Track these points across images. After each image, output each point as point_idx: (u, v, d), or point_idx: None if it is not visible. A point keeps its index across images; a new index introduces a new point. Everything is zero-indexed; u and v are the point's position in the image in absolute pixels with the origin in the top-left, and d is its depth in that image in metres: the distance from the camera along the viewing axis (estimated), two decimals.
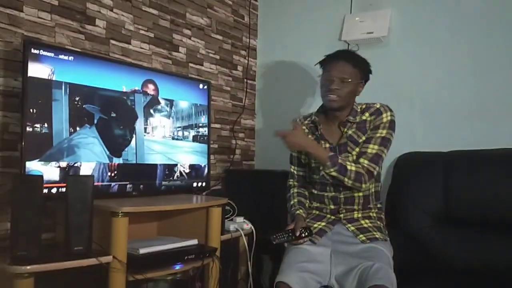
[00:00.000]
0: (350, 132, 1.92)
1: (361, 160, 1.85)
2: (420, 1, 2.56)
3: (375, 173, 1.87)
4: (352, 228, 1.88)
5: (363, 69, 1.93)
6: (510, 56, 2.31)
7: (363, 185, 1.85)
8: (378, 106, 1.92)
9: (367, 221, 1.91)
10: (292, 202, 2.02)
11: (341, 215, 1.92)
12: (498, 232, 2.04)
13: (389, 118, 1.89)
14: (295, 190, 2.06)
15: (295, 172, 2.08)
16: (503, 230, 2.03)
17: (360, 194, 1.92)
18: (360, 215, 1.92)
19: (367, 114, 1.92)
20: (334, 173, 1.81)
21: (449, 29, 2.47)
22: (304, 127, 2.01)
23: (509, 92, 2.30)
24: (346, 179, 1.82)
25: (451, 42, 2.46)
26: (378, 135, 1.87)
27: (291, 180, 2.10)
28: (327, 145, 1.94)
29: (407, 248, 2.07)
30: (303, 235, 1.82)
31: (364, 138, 1.90)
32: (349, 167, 1.82)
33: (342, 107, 1.90)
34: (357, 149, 1.89)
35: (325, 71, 1.92)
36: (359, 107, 1.94)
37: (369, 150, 1.86)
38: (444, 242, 2.11)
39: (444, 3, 2.49)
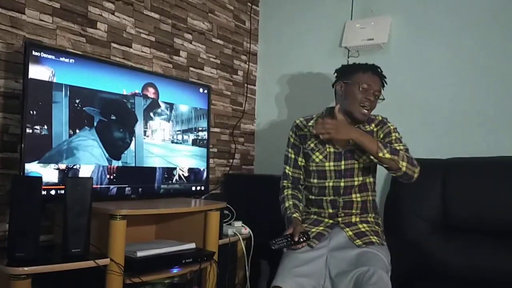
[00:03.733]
0: None
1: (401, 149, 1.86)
2: (421, 9, 2.58)
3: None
4: (350, 233, 1.89)
5: (383, 86, 1.99)
6: (509, 64, 2.31)
7: (417, 169, 1.85)
8: (380, 118, 2.00)
9: (365, 225, 1.92)
10: (287, 205, 2.02)
11: (340, 219, 1.93)
12: (496, 239, 2.04)
13: (393, 126, 1.97)
14: (289, 192, 2.05)
15: (290, 173, 2.08)
16: (501, 237, 2.04)
17: (359, 199, 1.93)
18: (358, 219, 1.93)
19: (372, 125, 1.98)
20: (387, 155, 1.78)
21: (449, 37, 2.48)
22: (306, 130, 2.02)
23: (508, 100, 2.31)
24: (400, 161, 1.79)
25: (450, 50, 2.47)
26: (394, 137, 1.92)
27: (285, 181, 2.09)
28: (332, 149, 1.95)
29: (406, 254, 2.07)
30: (301, 240, 1.82)
31: None
32: (398, 148, 1.84)
33: None
34: (364, 157, 1.91)
35: (362, 82, 1.90)
36: None
37: (397, 147, 1.87)
38: (442, 249, 2.11)
39: (444, 11, 2.50)
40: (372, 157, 1.83)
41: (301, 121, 2.06)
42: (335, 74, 2.05)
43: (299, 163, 2.05)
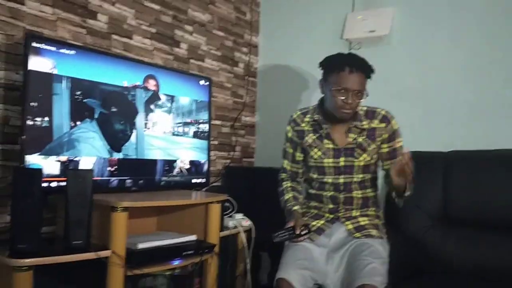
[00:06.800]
0: (360, 139, 1.89)
1: None
2: (423, 0, 2.56)
3: None
4: (350, 226, 1.89)
5: (370, 77, 1.86)
6: None
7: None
8: (384, 112, 1.91)
9: (365, 218, 1.91)
10: (286, 197, 2.02)
11: (340, 214, 1.93)
12: (496, 233, 2.04)
13: (397, 124, 1.92)
14: (288, 184, 2.06)
15: (288, 167, 2.07)
16: (501, 231, 2.03)
17: (360, 195, 1.92)
18: (358, 213, 1.93)
19: (376, 122, 1.89)
20: (410, 192, 1.81)
21: (451, 28, 2.47)
22: (303, 124, 1.99)
23: (510, 92, 2.30)
24: (411, 192, 1.83)
25: (452, 42, 2.46)
26: (398, 145, 1.91)
27: (283, 174, 2.09)
28: (331, 145, 1.91)
29: (406, 248, 2.08)
30: (302, 232, 1.82)
31: (373, 146, 1.89)
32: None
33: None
34: (365, 155, 1.89)
35: (338, 84, 1.78)
36: (359, 109, 1.90)
37: None
38: (443, 243, 2.11)
39: (447, 2, 2.49)
40: (395, 193, 1.84)
41: (298, 115, 2.02)
42: (319, 67, 1.91)
43: (297, 158, 2.04)
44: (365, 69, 1.82)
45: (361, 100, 1.83)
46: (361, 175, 1.91)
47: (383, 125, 1.89)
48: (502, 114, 2.31)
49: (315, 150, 1.95)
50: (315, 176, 1.97)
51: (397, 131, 1.91)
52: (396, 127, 1.91)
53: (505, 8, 2.33)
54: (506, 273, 1.93)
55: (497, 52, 2.34)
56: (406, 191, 1.80)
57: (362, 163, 1.90)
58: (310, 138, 1.97)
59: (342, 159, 1.91)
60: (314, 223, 1.92)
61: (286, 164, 2.08)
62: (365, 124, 1.89)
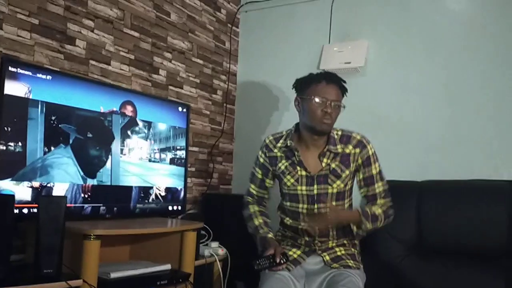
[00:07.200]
0: (333, 165, 1.88)
1: (379, 201, 1.91)
2: (396, 33, 2.65)
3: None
4: (327, 257, 1.88)
5: (345, 93, 1.91)
6: (484, 88, 2.39)
7: (391, 218, 1.93)
8: (359, 137, 1.91)
9: (341, 248, 1.92)
10: (257, 223, 1.99)
11: (316, 247, 1.92)
12: (470, 261, 2.07)
13: (373, 149, 1.92)
14: (256, 209, 2.05)
15: (255, 192, 2.07)
16: (474, 259, 2.06)
17: (335, 226, 1.91)
18: (334, 244, 1.93)
19: (350, 147, 1.89)
20: (370, 227, 1.85)
21: (424, 60, 2.55)
22: (276, 150, 1.98)
23: (482, 123, 2.38)
24: (379, 224, 1.87)
25: (426, 73, 2.54)
26: (375, 171, 1.91)
27: (249, 197, 2.08)
28: (304, 173, 1.90)
29: (381, 276, 2.08)
30: (282, 261, 1.81)
31: (347, 172, 1.89)
32: (377, 213, 1.87)
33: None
34: (338, 182, 1.88)
35: (317, 95, 1.82)
36: (335, 133, 1.91)
37: (377, 190, 1.92)
38: (417, 271, 2.12)
39: (419, 35, 2.58)
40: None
41: (271, 140, 2.00)
42: (293, 89, 1.95)
43: (266, 184, 2.04)
44: (340, 83, 1.87)
45: (337, 114, 1.86)
46: (334, 204, 1.90)
47: (357, 150, 1.89)
48: (474, 145, 2.38)
49: (288, 177, 1.93)
50: (288, 204, 1.96)
51: (372, 156, 1.91)
52: (371, 152, 1.91)
53: (478, 40, 2.43)
54: None
55: (470, 83, 2.42)
56: (357, 229, 1.88)
57: (335, 190, 1.89)
58: (282, 165, 1.95)
59: (315, 186, 1.89)
60: (290, 253, 1.90)
61: (253, 188, 2.08)
62: (339, 148, 1.89)
